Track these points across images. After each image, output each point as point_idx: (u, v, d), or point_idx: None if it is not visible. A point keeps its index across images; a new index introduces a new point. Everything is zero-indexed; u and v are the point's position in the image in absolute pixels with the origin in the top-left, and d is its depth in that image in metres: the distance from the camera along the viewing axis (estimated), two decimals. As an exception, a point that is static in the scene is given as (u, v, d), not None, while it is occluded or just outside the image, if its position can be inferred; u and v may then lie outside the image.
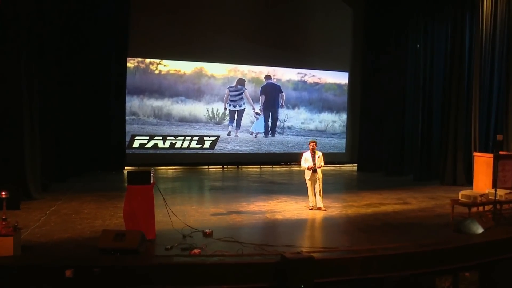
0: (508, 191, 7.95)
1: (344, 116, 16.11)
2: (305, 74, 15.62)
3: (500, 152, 9.63)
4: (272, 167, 15.27)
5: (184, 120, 14.25)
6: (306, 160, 8.33)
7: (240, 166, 14.96)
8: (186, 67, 14.15)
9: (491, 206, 7.88)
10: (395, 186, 11.52)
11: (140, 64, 13.75)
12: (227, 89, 14.63)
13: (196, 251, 5.62)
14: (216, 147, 14.62)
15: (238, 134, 14.89)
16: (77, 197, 9.08)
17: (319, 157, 8.33)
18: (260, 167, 15.15)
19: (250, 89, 14.91)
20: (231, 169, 14.78)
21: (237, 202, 9.07)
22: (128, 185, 6.18)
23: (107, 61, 12.76)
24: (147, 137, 13.87)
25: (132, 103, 13.64)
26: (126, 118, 13.42)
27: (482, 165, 9.68)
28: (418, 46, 13.70)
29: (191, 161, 14.38)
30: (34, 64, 8.99)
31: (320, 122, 15.89)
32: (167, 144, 14.09)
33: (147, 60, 13.78)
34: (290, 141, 15.51)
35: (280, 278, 4.93)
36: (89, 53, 12.22)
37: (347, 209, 8.52)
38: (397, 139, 13.90)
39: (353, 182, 13.00)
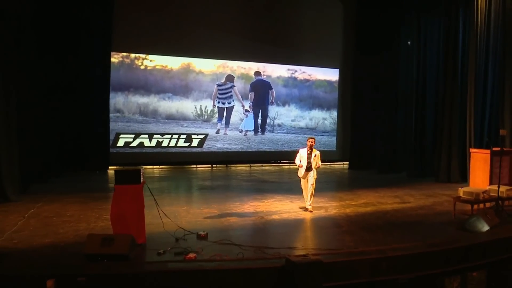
0: (509, 187, 7.74)
1: (334, 114, 15.83)
2: (295, 71, 15.28)
3: (494, 148, 9.48)
4: (262, 166, 14.88)
5: (171, 118, 13.72)
6: (302, 157, 7.85)
7: (229, 165, 14.53)
8: (173, 63, 13.62)
9: (492, 203, 7.68)
10: (390, 183, 11.31)
11: (125, 59, 13.17)
12: (215, 86, 14.17)
13: (192, 255, 5.18)
14: (204, 146, 14.14)
15: (227, 132, 14.45)
16: (59, 198, 8.52)
17: (315, 156, 7.82)
18: (250, 166, 14.74)
19: (239, 86, 14.48)
20: (220, 168, 14.34)
21: (230, 202, 8.67)
22: (116, 184, 5.68)
23: (90, 56, 12.14)
24: (133, 135, 13.30)
25: (117, 99, 13.05)
26: (110, 115, 12.86)
27: (479, 161, 9.48)
28: (409, 43, 13.53)
29: (178, 160, 13.87)
30: (10, 59, 8.37)
31: (311, 119, 15.58)
32: (153, 143, 13.54)
33: (132, 55, 13.21)
34: (280, 139, 15.14)
35: (286, 284, 4.53)
36: (70, 47, 11.63)
37: (346, 208, 8.19)
38: (390, 136, 13.71)
39: (347, 180, 12.72)
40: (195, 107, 13.97)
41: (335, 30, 15.24)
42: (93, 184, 10.62)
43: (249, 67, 14.61)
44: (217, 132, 14.30)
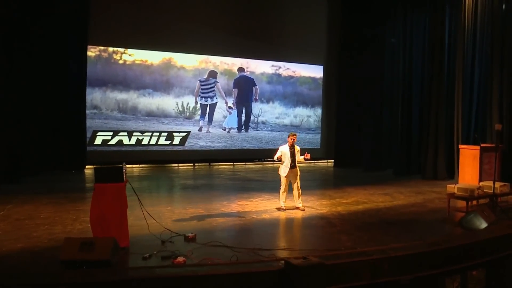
0: (503, 183, 7.63)
1: (319, 111, 15.61)
2: (280, 67, 14.97)
3: (483, 144, 9.42)
4: (246, 164, 14.50)
5: (151, 115, 13.17)
6: (284, 154, 7.49)
7: (212, 164, 14.08)
8: (153, 57, 13.07)
9: (486, 199, 7.57)
10: (378, 181, 11.16)
11: (102, 53, 12.54)
12: (198, 82, 13.70)
13: (181, 259, 4.76)
14: (186, 144, 13.65)
15: (210, 130, 14.00)
16: (32, 199, 7.92)
17: (298, 151, 7.56)
18: (233, 165, 14.34)
19: (222, 82, 14.05)
20: (202, 166, 13.88)
21: (216, 201, 8.27)
22: (96, 183, 5.19)
23: (65, 49, 11.47)
24: (111, 133, 12.69)
25: (94, 95, 12.41)
26: (87, 112, 12.22)
27: (468, 157, 9.39)
28: (393, 40, 13.43)
29: (159, 159, 13.34)
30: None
31: (295, 117, 15.30)
32: (133, 141, 12.96)
33: (110, 49, 12.59)
34: (265, 137, 14.80)
35: (285, 288, 4.18)
36: (44, 40, 10.94)
37: (337, 207, 7.91)
38: (376, 133, 13.57)
39: (334, 178, 12.49)
40: (177, 104, 13.46)
41: (320, 26, 15.02)
42: (69, 184, 10.01)
43: (232, 63, 14.21)
44: (200, 129, 13.84)
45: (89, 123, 12.29)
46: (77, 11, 11.53)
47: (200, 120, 13.82)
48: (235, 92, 14.26)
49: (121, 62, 12.74)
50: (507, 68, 9.85)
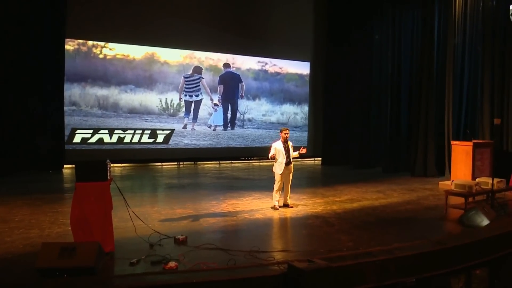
0: (499, 179, 7.48)
1: (306, 108, 15.34)
2: (266, 63, 14.63)
3: (475, 141, 9.31)
4: (232, 163, 14.11)
5: (134, 112, 12.62)
6: (278, 151, 7.17)
7: (197, 162, 13.63)
8: (135, 52, 12.52)
9: (484, 195, 7.41)
10: (368, 179, 10.97)
11: (81, 47, 11.92)
12: (182, 78, 13.22)
13: (172, 264, 4.35)
14: (170, 142, 13.16)
15: (195, 127, 13.54)
16: (5, 201, 7.35)
17: (291, 147, 7.27)
18: (219, 163, 13.92)
19: (207, 78, 13.61)
20: (187, 165, 13.41)
21: (205, 201, 7.88)
22: (78, 182, 4.72)
23: (41, 42, 10.85)
24: (91, 131, 12.09)
25: (72, 91, 11.79)
26: (65, 109, 11.61)
27: (461, 154, 9.25)
28: (376, 37, 13.27)
29: (142, 158, 12.81)
30: None
31: (282, 114, 14.99)
32: (114, 139, 12.38)
33: (90, 43, 11.99)
34: (251, 135, 14.44)
35: (289, 295, 3.83)
36: (17, 31, 10.28)
37: (331, 205, 7.61)
38: (364, 131, 13.40)
39: (323, 176, 12.22)
40: (160, 100, 12.95)
41: (306, 22, 14.75)
42: (46, 184, 9.42)
43: (218, 59, 13.78)
44: (184, 127, 13.36)
45: (68, 120, 11.68)
46: (54, 2, 10.91)
47: (184, 118, 13.35)
48: (220, 88, 13.84)
49: (101, 56, 12.15)
50: (498, 63, 9.77)
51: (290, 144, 7.28)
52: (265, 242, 5.31)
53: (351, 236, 5.60)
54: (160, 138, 13.01)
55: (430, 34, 11.12)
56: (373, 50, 13.26)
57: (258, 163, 14.21)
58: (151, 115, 12.86)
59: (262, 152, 14.39)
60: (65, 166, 11.43)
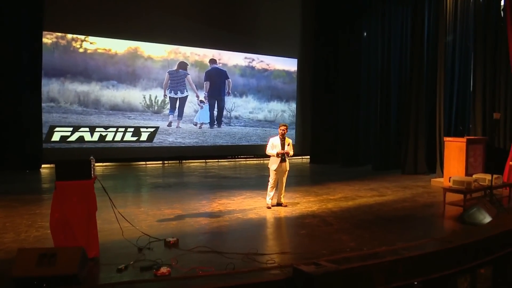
0: (497, 175, 7.34)
1: (293, 106, 15.07)
2: (253, 59, 14.29)
3: (467, 137, 9.19)
4: (219, 161, 13.71)
5: (116, 109, 12.10)
6: (274, 146, 6.90)
7: (182, 161, 13.18)
8: (118, 46, 12.00)
9: (481, 192, 7.26)
10: (359, 176, 10.79)
11: (60, 40, 11.34)
12: (167, 74, 12.75)
13: (164, 270, 3.97)
14: (154, 140, 12.68)
15: (180, 125, 13.09)
16: (-23, 203, 6.78)
17: (289, 145, 7.00)
18: (206, 162, 13.51)
19: (193, 74, 13.18)
20: (172, 164, 12.95)
21: (194, 200, 7.49)
22: (58, 181, 4.27)
23: (17, 35, 10.27)
24: (70, 129, 11.52)
25: (50, 87, 11.20)
26: (43, 105, 11.03)
27: (454, 150, 9.12)
28: (365, 33, 13.10)
29: (125, 157, 12.29)
30: None
31: (269, 111, 14.68)
32: (95, 137, 11.84)
33: (69, 36, 11.41)
34: (238, 133, 14.07)
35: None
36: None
37: (326, 204, 7.33)
38: (353, 128, 13.22)
39: (314, 174, 11.94)
40: (144, 97, 12.46)
41: (294, 17, 14.48)
42: (22, 185, 8.86)
43: (203, 54, 13.36)
44: (169, 125, 12.90)
45: (46, 117, 11.10)
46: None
47: (169, 115, 12.88)
48: (206, 85, 13.43)
49: (81, 50, 11.58)
50: (490, 59, 9.68)
51: (289, 141, 7.01)
52: (262, 244, 4.98)
53: (352, 235, 5.32)
54: (144, 136, 12.52)
55: (420, 30, 10.99)
56: (362, 46, 13.09)
57: (245, 162, 13.86)
58: (134, 112, 12.36)
59: (249, 150, 14.10)
60: (43, 165, 10.85)
